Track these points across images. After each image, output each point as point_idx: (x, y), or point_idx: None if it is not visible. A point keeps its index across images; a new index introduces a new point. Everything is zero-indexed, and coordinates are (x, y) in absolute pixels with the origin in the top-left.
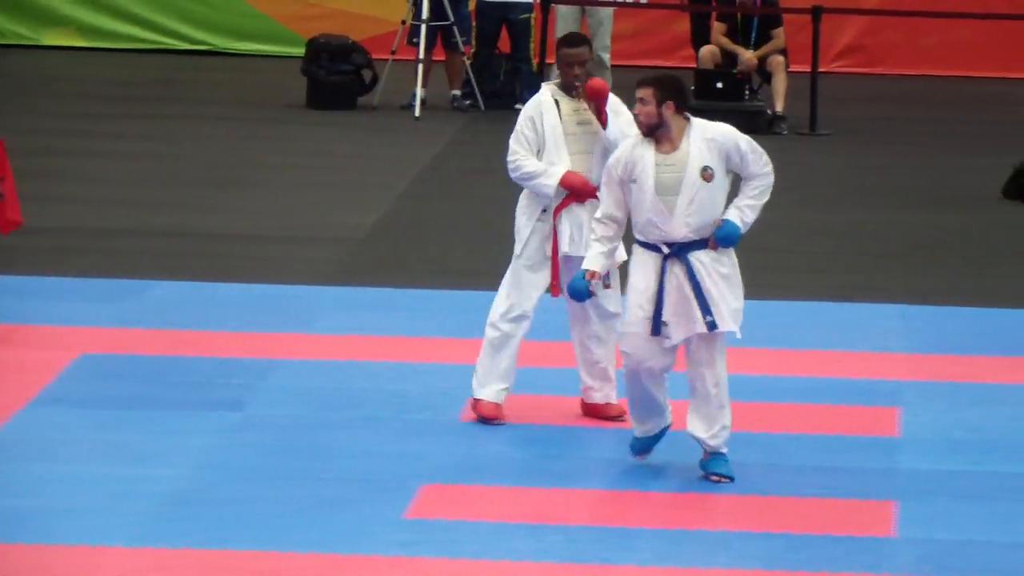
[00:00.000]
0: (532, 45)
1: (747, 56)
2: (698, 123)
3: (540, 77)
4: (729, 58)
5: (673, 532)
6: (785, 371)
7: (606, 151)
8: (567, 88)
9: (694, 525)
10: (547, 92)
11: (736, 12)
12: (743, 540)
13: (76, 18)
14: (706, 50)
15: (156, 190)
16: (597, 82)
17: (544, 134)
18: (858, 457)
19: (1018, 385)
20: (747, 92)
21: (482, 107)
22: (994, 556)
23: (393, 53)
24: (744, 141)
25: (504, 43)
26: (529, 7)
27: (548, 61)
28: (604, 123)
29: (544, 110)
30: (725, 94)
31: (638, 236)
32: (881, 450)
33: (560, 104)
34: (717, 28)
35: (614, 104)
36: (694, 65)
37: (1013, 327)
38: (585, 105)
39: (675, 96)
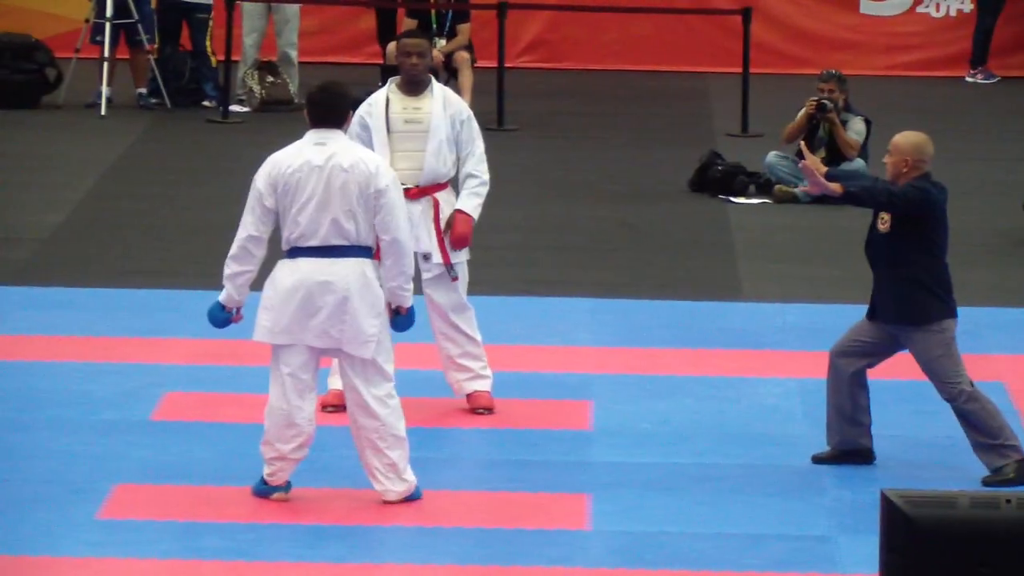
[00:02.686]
0: (210, 42)
1: (433, 52)
2: None
3: (227, 75)
4: None
5: (362, 528)
6: None
7: (439, 149)
8: (406, 82)
9: (385, 521)
10: (384, 89)
11: (426, 8)
12: (434, 536)
13: None
14: (392, 46)
15: None
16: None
17: (372, 131)
18: (551, 450)
19: (702, 376)
20: None
21: (168, 105)
22: (684, 546)
23: (77, 51)
24: None
25: (187, 40)
26: (208, 6)
27: (234, 58)
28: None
29: (374, 108)
30: None
31: None
32: (574, 443)
33: (391, 101)
34: (407, 24)
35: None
36: (381, 62)
37: (698, 319)
38: (417, 103)
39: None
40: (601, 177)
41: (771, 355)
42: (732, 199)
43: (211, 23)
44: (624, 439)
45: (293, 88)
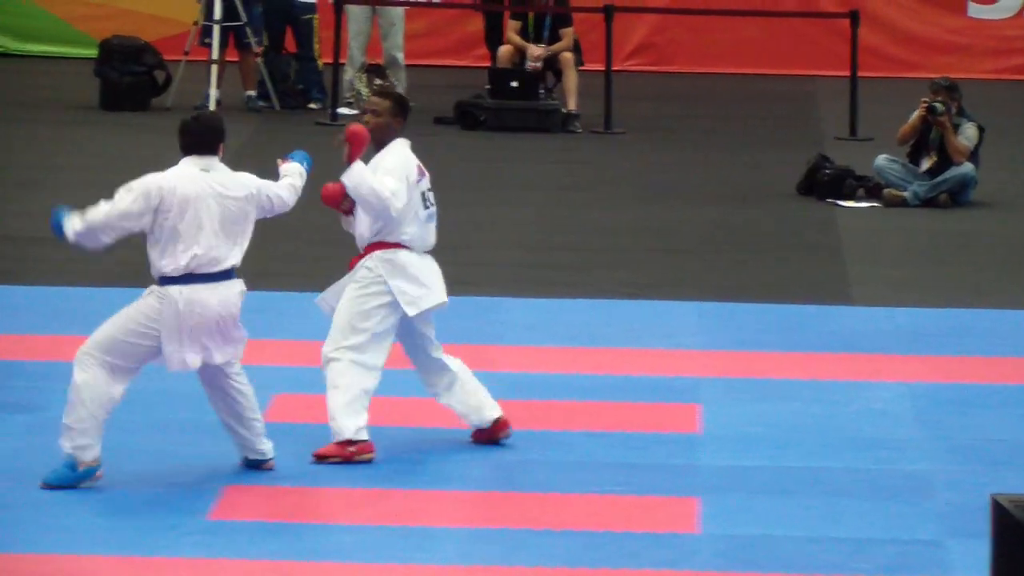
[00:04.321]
0: (317, 45)
1: (535, 52)
2: None
3: (335, 77)
4: (523, 57)
5: (475, 531)
6: (583, 369)
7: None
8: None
9: (495, 524)
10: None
11: (528, 11)
12: (545, 538)
13: None
14: (503, 49)
15: None
16: (353, 129)
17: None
18: (660, 454)
19: (811, 380)
20: (541, 91)
21: (277, 107)
22: (793, 549)
23: (186, 54)
24: None
25: (291, 43)
26: (312, 7)
27: (341, 61)
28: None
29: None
30: (520, 93)
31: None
32: (682, 446)
33: None
34: (511, 26)
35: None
36: (488, 64)
37: (807, 323)
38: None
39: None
40: (708, 180)
41: (881, 359)
42: (840, 202)
43: (317, 26)
44: (733, 442)
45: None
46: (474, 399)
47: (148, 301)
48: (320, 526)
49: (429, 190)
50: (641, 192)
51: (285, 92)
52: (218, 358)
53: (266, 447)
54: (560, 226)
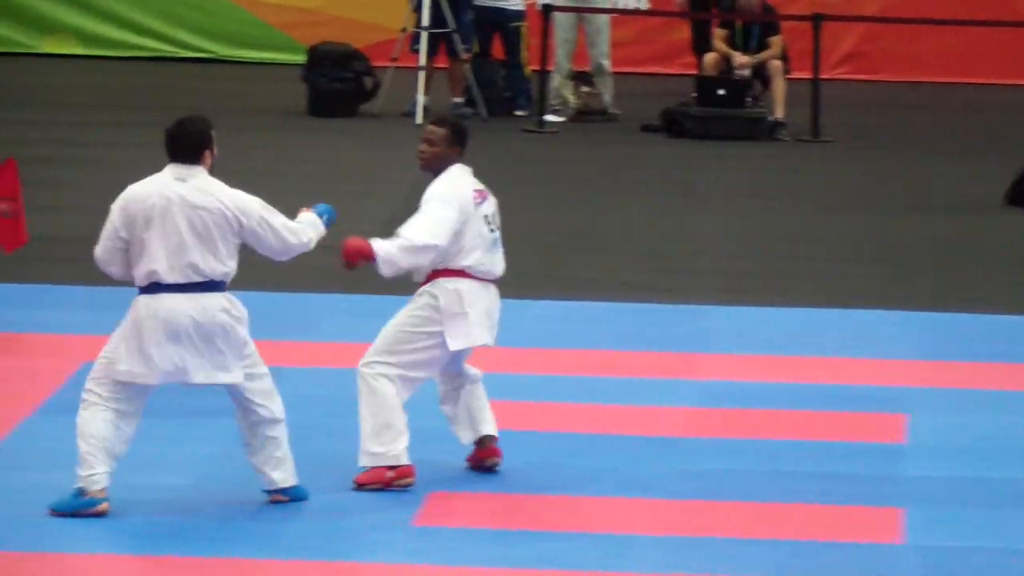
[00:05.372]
0: (525, 52)
1: (742, 60)
2: None
3: (542, 85)
4: (730, 65)
5: (677, 539)
6: (789, 378)
7: None
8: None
9: (698, 533)
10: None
11: (737, 19)
12: (748, 547)
13: (76, 26)
14: (710, 57)
15: None
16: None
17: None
18: (864, 464)
19: (1019, 392)
20: (748, 99)
21: (484, 114)
22: (1000, 563)
23: (394, 60)
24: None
25: (498, 50)
26: (521, 15)
27: (548, 68)
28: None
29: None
30: (726, 101)
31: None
32: (888, 457)
33: None
34: (718, 34)
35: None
36: (695, 72)
37: (1016, 333)
38: None
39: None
40: (915, 189)
41: None
42: None
43: (525, 33)
44: (939, 453)
45: (608, 98)
46: (476, 406)
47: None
48: (527, 533)
49: (495, 213)
50: (849, 201)
51: (492, 99)
52: (198, 376)
53: (276, 476)
54: (766, 234)
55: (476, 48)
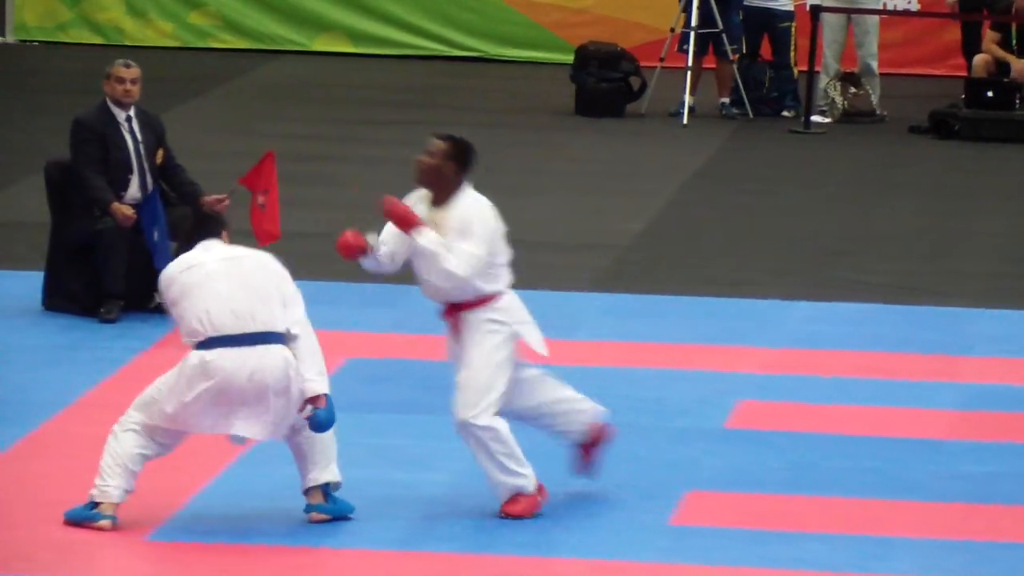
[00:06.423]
0: (793, 53)
1: (1019, 65)
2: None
3: (810, 85)
4: (1001, 67)
5: (938, 542)
6: None
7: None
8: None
9: (960, 536)
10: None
11: (1011, 21)
12: (1010, 551)
13: (346, 24)
14: (980, 58)
15: None
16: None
17: None
18: None
19: None
20: (1018, 101)
21: (751, 115)
22: None
23: (662, 60)
24: None
25: (766, 51)
26: (791, 15)
27: (816, 69)
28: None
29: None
30: (995, 103)
31: None
32: None
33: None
34: (990, 36)
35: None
36: (964, 74)
37: None
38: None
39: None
40: None
41: None
42: None
43: (794, 33)
44: None
45: (875, 99)
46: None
47: None
48: (784, 533)
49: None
50: None
51: (759, 100)
52: (243, 430)
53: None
54: None
55: (744, 48)
